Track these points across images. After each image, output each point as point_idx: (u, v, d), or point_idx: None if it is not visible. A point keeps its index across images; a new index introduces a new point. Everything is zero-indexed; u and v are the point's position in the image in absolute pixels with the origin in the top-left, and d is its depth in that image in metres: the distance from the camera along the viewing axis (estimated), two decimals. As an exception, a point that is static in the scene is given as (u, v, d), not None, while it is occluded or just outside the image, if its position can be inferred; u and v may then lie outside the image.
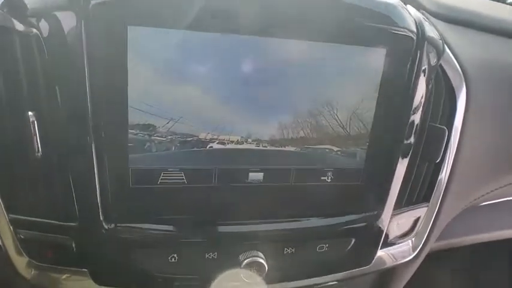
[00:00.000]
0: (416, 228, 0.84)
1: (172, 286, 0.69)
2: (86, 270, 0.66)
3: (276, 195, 0.69)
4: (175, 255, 0.66)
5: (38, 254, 0.65)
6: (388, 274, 0.89)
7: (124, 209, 0.64)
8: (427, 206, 0.83)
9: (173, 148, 0.62)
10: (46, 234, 0.64)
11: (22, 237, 0.64)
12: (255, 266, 0.67)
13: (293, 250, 0.71)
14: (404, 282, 0.95)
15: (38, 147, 0.59)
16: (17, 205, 0.63)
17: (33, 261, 0.66)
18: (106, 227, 0.63)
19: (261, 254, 0.68)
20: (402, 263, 0.86)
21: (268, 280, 0.72)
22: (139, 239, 0.65)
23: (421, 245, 0.86)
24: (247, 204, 0.68)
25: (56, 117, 0.59)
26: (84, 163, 0.60)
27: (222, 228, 0.68)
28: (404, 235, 0.84)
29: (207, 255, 0.67)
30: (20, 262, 0.66)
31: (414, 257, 0.87)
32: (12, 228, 0.64)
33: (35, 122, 0.58)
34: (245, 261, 0.67)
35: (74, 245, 0.64)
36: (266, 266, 0.68)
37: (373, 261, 0.80)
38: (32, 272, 0.66)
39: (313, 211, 0.72)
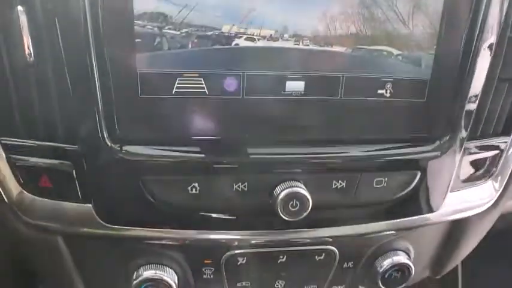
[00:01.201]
0: (495, 167, 0.67)
1: (192, 224, 0.56)
2: (89, 205, 0.55)
3: (321, 112, 0.55)
4: (196, 184, 0.54)
5: (34, 185, 0.54)
6: (458, 228, 0.72)
7: (132, 126, 0.52)
8: (508, 140, 0.67)
9: (190, 45, 0.50)
10: (43, 159, 0.53)
11: (16, 164, 0.54)
12: (295, 200, 0.53)
13: (343, 184, 0.57)
14: (477, 241, 0.78)
15: (30, 51, 0.49)
16: (9, 126, 0.53)
17: (29, 195, 0.55)
18: (111, 147, 0.51)
19: (302, 185, 0.54)
20: (477, 214, 0.70)
21: (310, 223, 0.59)
22: (152, 164, 0.53)
23: (501, 190, 0.70)
24: (284, 123, 0.55)
25: (49, 11, 0.47)
26: (82, 67, 0.48)
27: (253, 153, 0.55)
28: (481, 176, 0.67)
29: (235, 186, 0.54)
30: (15, 196, 0.55)
31: (493, 205, 0.70)
32: (4, 154, 0.54)
33: (25, 18, 0.48)
34: (283, 193, 0.53)
35: (75, 174, 0.53)
36: (310, 200, 0.54)
37: (441, 206, 0.64)
38: (28, 208, 0.55)
39: (368, 134, 0.57)
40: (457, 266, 0.97)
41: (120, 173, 0.53)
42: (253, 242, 0.59)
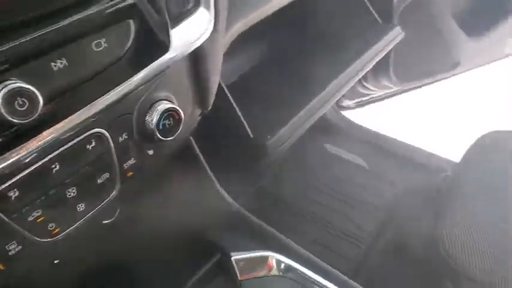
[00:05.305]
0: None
1: None
2: None
3: None
4: None
5: None
6: (199, 60, 0.76)
7: None
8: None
9: None
10: None
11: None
12: (19, 98, 0.45)
13: (64, 61, 0.50)
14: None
15: None
16: None
17: None
18: None
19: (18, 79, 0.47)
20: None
21: (64, 110, 0.53)
22: None
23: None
24: None
25: None
26: None
27: None
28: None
29: None
30: None
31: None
32: None
33: None
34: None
35: None
36: (36, 90, 0.47)
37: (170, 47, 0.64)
38: None
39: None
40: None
41: None
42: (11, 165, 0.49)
